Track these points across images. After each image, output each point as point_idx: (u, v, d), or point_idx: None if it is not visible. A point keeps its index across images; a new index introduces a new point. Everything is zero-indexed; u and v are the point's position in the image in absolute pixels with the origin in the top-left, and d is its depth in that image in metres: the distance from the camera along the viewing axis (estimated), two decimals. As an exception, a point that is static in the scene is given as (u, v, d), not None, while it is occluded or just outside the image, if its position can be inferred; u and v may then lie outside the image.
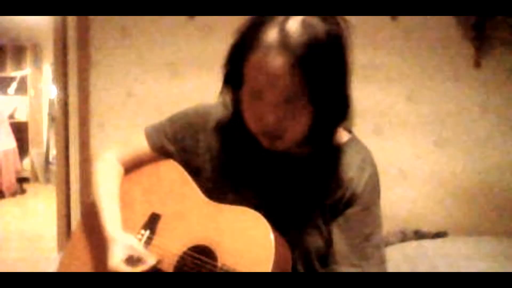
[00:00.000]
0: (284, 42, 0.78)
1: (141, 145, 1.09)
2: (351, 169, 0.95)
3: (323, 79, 0.81)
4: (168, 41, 2.42)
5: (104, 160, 1.11)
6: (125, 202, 1.06)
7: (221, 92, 0.93)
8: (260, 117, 0.84)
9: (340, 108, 0.87)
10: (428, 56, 2.35)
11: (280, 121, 0.84)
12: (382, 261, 0.95)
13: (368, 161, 0.97)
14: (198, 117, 1.04)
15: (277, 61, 0.78)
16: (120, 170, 1.11)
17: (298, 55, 0.78)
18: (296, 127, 0.86)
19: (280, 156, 0.96)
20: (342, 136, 0.98)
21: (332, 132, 0.92)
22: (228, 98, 0.93)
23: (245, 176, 0.98)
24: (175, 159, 1.06)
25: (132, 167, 1.11)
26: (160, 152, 1.07)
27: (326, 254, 0.95)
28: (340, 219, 0.94)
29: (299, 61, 0.78)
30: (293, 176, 0.96)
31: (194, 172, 1.03)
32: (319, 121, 0.86)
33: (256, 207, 0.94)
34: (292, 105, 0.82)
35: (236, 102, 0.92)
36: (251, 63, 0.81)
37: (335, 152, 0.96)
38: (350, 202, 0.94)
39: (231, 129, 1.00)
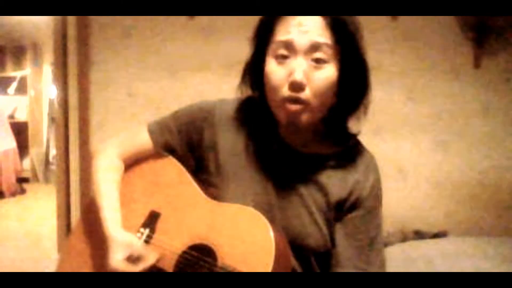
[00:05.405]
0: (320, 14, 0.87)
1: (143, 141, 1.08)
2: (358, 172, 0.96)
3: (353, 48, 0.90)
4: (168, 41, 2.42)
5: (105, 156, 1.09)
6: (125, 200, 1.06)
7: (246, 68, 0.97)
8: (289, 74, 0.86)
9: (362, 86, 0.93)
10: (428, 56, 2.35)
11: (307, 76, 0.86)
12: (383, 264, 0.97)
13: (372, 165, 0.99)
14: (202, 112, 1.03)
15: (311, 17, 0.86)
16: (120, 166, 1.10)
17: (332, 18, 0.86)
18: (321, 93, 0.88)
19: (288, 152, 0.97)
20: (349, 138, 0.99)
21: (350, 113, 0.96)
22: (249, 77, 0.97)
23: (250, 171, 0.98)
24: (178, 155, 1.05)
25: (132, 163, 1.10)
26: (163, 148, 1.07)
27: (324, 255, 0.96)
28: (345, 222, 0.95)
29: (332, 21, 0.86)
30: (298, 173, 0.96)
31: (198, 167, 1.03)
32: (341, 95, 0.90)
33: (258, 202, 0.94)
34: (320, 62, 0.86)
35: (258, 76, 0.93)
36: (285, 20, 0.88)
37: (342, 153, 0.97)
38: (355, 205, 0.95)
39: (238, 124, 1.01)
